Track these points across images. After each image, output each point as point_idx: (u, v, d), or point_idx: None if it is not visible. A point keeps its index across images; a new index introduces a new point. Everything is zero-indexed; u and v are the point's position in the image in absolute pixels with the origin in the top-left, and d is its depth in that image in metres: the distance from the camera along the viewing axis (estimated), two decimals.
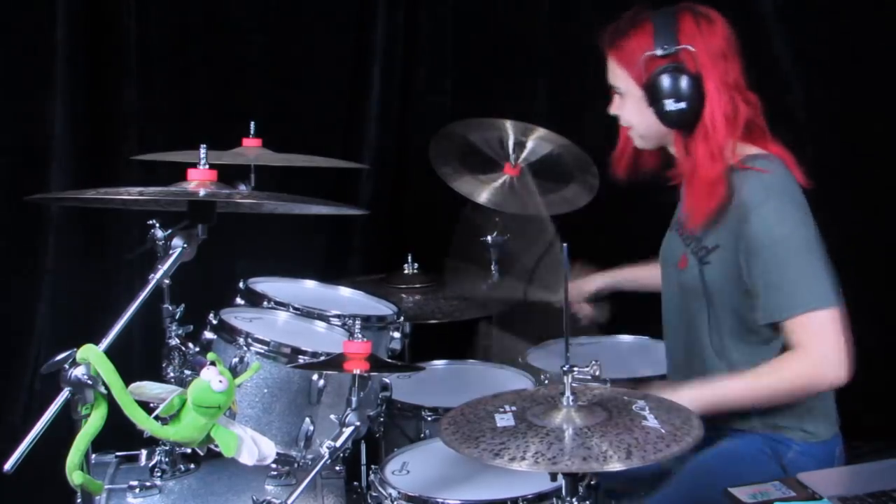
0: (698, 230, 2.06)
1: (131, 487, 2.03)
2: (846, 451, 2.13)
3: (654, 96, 2.00)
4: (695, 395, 1.92)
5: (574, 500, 1.65)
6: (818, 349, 1.91)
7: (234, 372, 2.00)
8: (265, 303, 2.26)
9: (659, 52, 1.98)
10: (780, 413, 2.05)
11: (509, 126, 2.94)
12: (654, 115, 2.02)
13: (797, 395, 2.00)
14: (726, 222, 2.00)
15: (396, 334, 2.32)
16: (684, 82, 1.97)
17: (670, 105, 1.98)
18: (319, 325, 2.26)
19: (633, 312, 2.66)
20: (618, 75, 2.10)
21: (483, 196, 2.91)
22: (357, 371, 1.91)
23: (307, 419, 2.10)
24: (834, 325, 1.91)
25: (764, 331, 2.01)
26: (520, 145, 2.96)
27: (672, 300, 2.19)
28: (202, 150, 1.84)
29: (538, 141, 2.95)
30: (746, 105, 2.02)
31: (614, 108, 2.15)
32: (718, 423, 2.06)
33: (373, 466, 2.11)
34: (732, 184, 1.99)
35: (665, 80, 1.97)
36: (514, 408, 1.73)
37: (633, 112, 2.10)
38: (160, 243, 1.99)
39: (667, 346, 2.27)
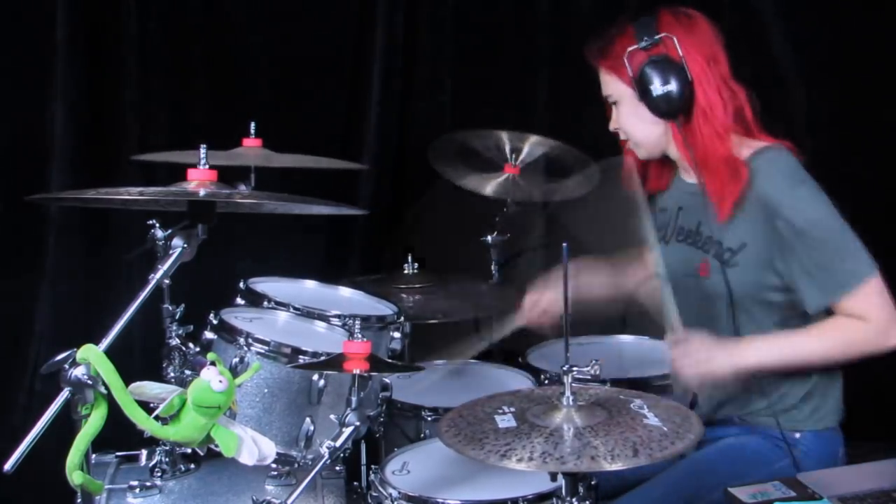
0: (727, 218, 2.03)
1: (131, 487, 2.03)
2: (845, 451, 2.13)
3: (642, 88, 2.02)
4: (737, 361, 1.97)
5: (574, 500, 1.65)
6: (880, 317, 1.94)
7: (235, 372, 2.00)
8: (265, 303, 2.26)
9: (641, 44, 2.02)
10: (791, 403, 2.07)
11: (504, 136, 2.95)
12: (647, 108, 2.04)
13: (852, 360, 2.01)
14: (751, 218, 2.01)
15: (396, 334, 2.32)
16: (669, 66, 1.99)
17: (657, 91, 2.00)
18: (319, 325, 2.26)
19: (632, 313, 2.65)
20: (609, 83, 2.13)
21: (488, 189, 2.92)
22: (357, 371, 1.91)
23: (307, 419, 2.10)
24: (883, 289, 1.95)
25: (799, 320, 2.02)
26: (517, 150, 2.97)
27: (692, 311, 2.13)
28: (202, 150, 1.84)
29: (533, 145, 2.96)
30: (735, 97, 2.04)
31: (613, 123, 2.17)
32: (727, 411, 2.10)
33: (373, 466, 2.11)
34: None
35: (650, 68, 2.00)
36: (512, 408, 1.73)
37: (627, 117, 2.12)
38: (160, 243, 1.99)
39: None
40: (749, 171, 2.00)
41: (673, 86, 1.99)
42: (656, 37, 2.00)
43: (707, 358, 1.97)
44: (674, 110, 2.02)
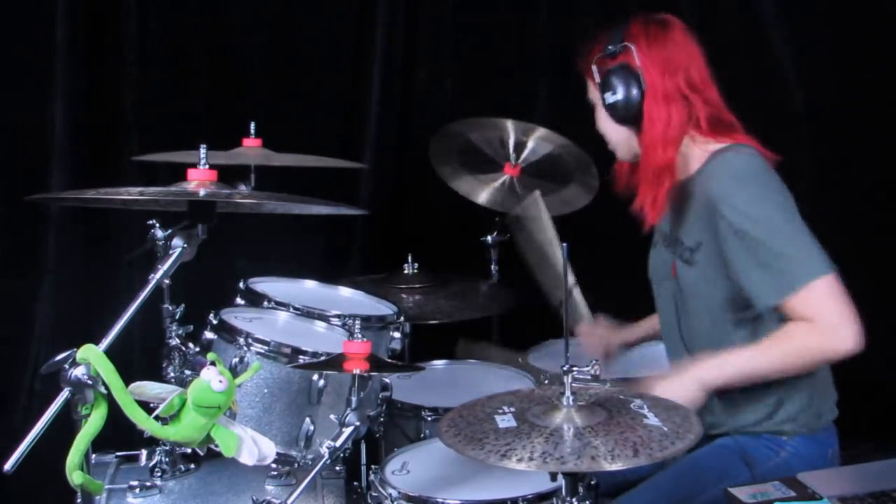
0: (657, 220, 2.09)
1: (131, 487, 2.03)
2: (845, 451, 2.13)
3: (603, 94, 2.08)
4: (698, 377, 1.96)
5: (574, 500, 1.66)
6: (826, 319, 1.88)
7: (234, 372, 2.01)
8: (265, 303, 2.26)
9: (605, 53, 2.08)
10: (781, 418, 2.06)
11: (510, 126, 2.94)
12: (606, 113, 2.10)
13: (809, 367, 2.00)
14: (702, 217, 2.02)
15: (396, 334, 2.32)
16: (624, 76, 2.04)
17: (610, 98, 2.06)
18: (319, 325, 2.27)
19: (632, 312, 2.65)
20: (589, 86, 2.18)
21: (482, 196, 2.91)
22: (357, 371, 1.91)
23: (307, 419, 2.10)
24: (834, 291, 1.89)
25: (760, 319, 2.01)
26: (520, 145, 2.96)
27: (670, 313, 2.17)
28: (202, 150, 1.85)
29: (539, 141, 2.95)
30: (705, 103, 2.06)
31: (597, 124, 2.21)
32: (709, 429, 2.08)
33: (373, 466, 2.11)
34: (699, 181, 2.04)
35: (609, 76, 2.06)
36: (512, 408, 1.73)
37: (601, 120, 2.16)
38: (160, 243, 2.00)
39: (672, 364, 2.24)
40: (703, 176, 2.04)
41: (623, 95, 2.05)
42: (618, 46, 2.06)
43: (669, 387, 1.95)
44: (628, 118, 2.07)
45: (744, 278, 1.95)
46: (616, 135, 2.15)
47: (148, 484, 2.05)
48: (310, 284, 2.54)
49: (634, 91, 2.04)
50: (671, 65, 2.05)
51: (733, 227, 1.94)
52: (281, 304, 2.27)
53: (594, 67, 2.10)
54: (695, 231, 2.05)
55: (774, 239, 1.92)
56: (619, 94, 2.04)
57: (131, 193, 1.77)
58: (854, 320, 1.88)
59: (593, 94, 2.16)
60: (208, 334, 2.17)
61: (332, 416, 2.00)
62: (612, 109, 2.07)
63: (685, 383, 1.96)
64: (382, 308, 2.45)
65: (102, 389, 1.52)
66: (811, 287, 1.89)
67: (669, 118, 2.04)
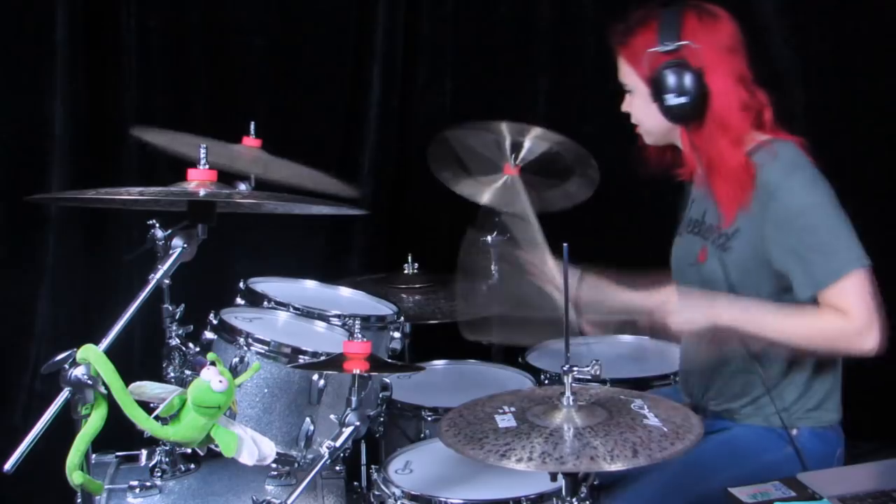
0: (731, 223, 2.04)
1: (131, 487, 2.03)
2: (845, 451, 2.13)
3: (657, 91, 2.03)
4: (714, 311, 1.97)
5: (574, 500, 1.66)
6: (859, 316, 1.90)
7: (235, 372, 2.00)
8: (265, 303, 2.26)
9: (662, 48, 2.02)
10: (789, 400, 2.06)
11: (505, 128, 2.94)
12: (658, 110, 2.05)
13: (821, 352, 1.99)
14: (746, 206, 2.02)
15: (396, 334, 2.32)
16: (686, 77, 2.00)
17: (672, 100, 2.01)
18: (319, 325, 2.26)
19: None
20: (626, 73, 2.14)
21: (485, 197, 2.90)
22: (357, 371, 1.91)
23: (307, 419, 2.10)
24: (866, 286, 1.92)
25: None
26: (517, 146, 2.96)
27: None
28: (202, 150, 1.84)
29: (535, 140, 2.95)
30: (756, 99, 2.06)
31: (625, 106, 2.18)
32: (723, 416, 2.11)
33: (373, 466, 2.11)
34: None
35: (667, 76, 2.01)
36: (512, 408, 1.73)
37: (639, 108, 2.13)
38: (160, 243, 1.99)
39: (684, 350, 2.26)
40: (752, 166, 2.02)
41: (686, 98, 2.00)
42: (678, 43, 2.00)
43: (685, 307, 1.99)
44: (686, 118, 2.04)
45: (790, 263, 1.96)
46: (654, 125, 2.11)
47: (148, 484, 2.05)
48: (310, 284, 2.54)
49: (697, 93, 1.99)
50: (734, 62, 2.03)
51: (788, 210, 1.95)
52: (281, 304, 2.26)
53: (643, 59, 2.04)
54: (736, 217, 2.03)
55: (822, 226, 1.95)
56: (680, 97, 2.00)
57: (131, 193, 1.77)
58: (879, 322, 1.90)
59: (632, 80, 2.11)
60: (208, 334, 2.17)
61: (332, 416, 2.00)
62: (666, 109, 2.02)
63: (699, 313, 1.98)
64: (382, 308, 2.45)
65: (102, 389, 1.52)
66: (847, 280, 1.91)
67: (743, 114, 2.03)
